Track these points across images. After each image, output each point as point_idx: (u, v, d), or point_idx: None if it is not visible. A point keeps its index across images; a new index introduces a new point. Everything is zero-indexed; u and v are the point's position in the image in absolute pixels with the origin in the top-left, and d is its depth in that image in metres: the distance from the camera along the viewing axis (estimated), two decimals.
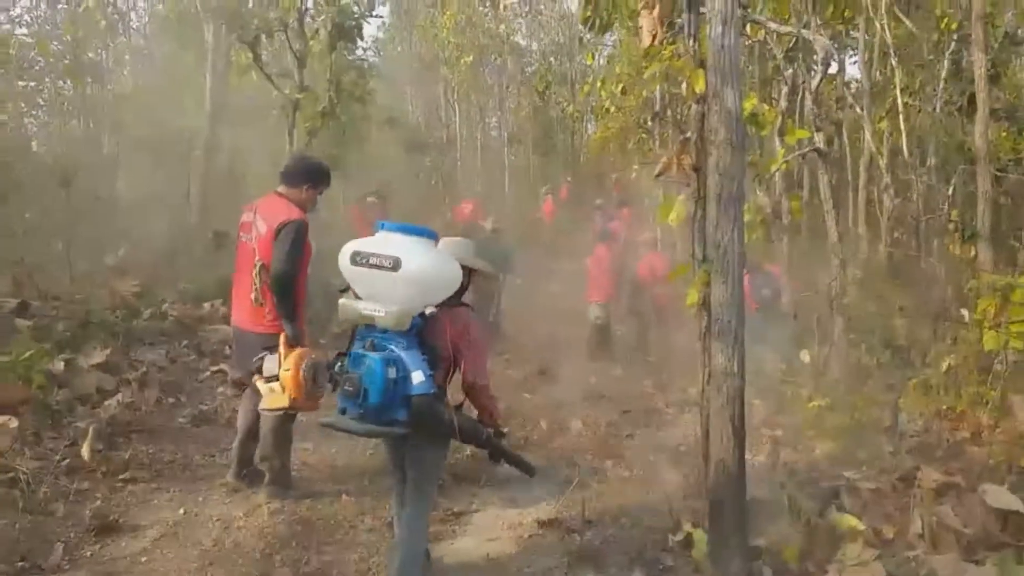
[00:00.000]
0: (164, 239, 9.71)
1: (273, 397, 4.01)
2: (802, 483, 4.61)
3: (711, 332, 3.49)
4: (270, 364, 4.06)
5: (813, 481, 4.65)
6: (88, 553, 3.82)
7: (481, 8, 21.07)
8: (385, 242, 3.17)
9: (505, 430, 3.92)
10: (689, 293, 3.68)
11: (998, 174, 10.41)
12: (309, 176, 4.50)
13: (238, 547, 3.97)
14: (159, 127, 10.91)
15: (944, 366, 7.54)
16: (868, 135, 11.21)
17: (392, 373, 3.07)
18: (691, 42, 3.70)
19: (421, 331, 3.24)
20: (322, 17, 8.72)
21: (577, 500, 4.61)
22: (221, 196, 10.56)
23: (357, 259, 3.16)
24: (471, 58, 20.37)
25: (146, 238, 9.57)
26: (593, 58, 15.43)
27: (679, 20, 3.89)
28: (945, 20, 11.25)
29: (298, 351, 4.04)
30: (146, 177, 11.21)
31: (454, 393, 3.42)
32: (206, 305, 8.10)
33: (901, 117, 11.78)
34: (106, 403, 5.63)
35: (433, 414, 3.19)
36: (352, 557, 3.95)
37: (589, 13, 11.97)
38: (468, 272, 3.50)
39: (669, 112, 13.79)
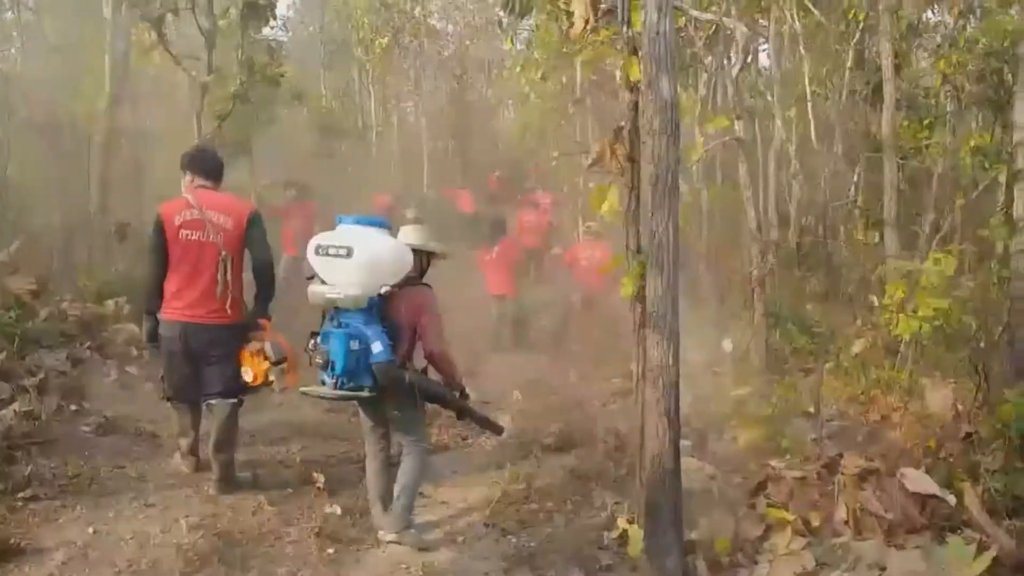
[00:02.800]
0: (61, 232, 9.01)
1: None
2: (728, 473, 4.65)
3: (646, 324, 3.43)
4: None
5: (739, 470, 4.69)
6: None
7: None
8: (341, 233, 3.82)
9: (470, 393, 4.31)
10: (624, 284, 3.62)
11: (900, 162, 10.85)
12: (222, 167, 4.77)
13: (156, 567, 3.70)
14: (54, 110, 10.14)
15: (854, 350, 7.77)
16: (779, 123, 11.44)
17: (355, 345, 3.68)
18: (625, 29, 3.61)
19: (380, 308, 3.83)
20: None
21: (511, 500, 4.54)
22: (124, 185, 9.90)
23: (319, 250, 3.79)
24: (386, 40, 19.87)
25: (41, 231, 8.86)
26: (512, 42, 15.23)
27: (608, 4, 3.78)
28: (852, 11, 11.52)
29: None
30: (40, 164, 10.40)
31: (419, 361, 4.02)
32: (109, 303, 7.54)
33: (809, 105, 12.12)
34: (1, 413, 5.17)
35: (393, 377, 3.77)
36: (279, 572, 3.74)
37: None
38: (427, 256, 4.16)
39: (589, 100, 13.84)
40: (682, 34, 9.24)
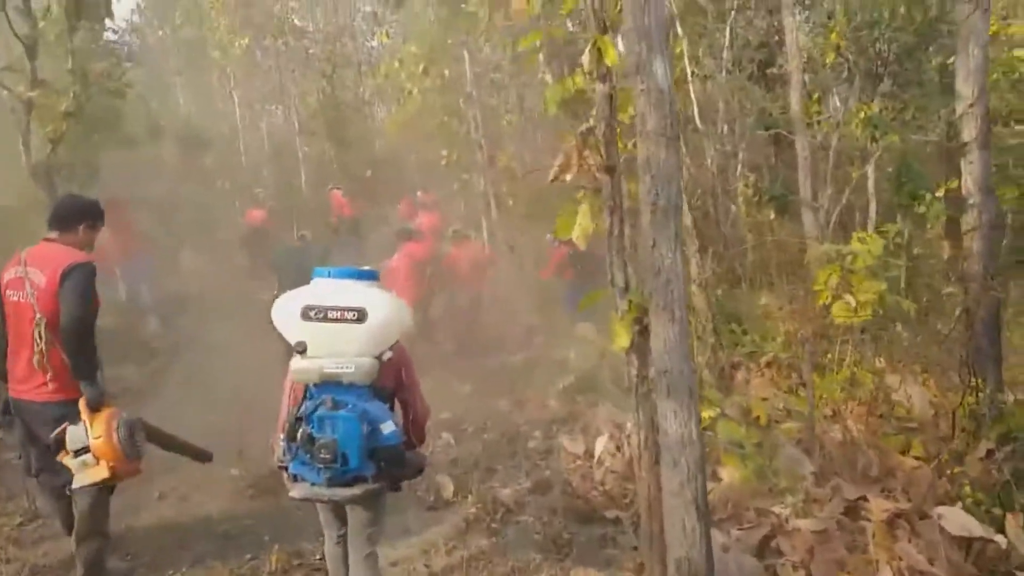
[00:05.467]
0: None
1: (88, 471, 3.62)
2: (720, 521, 3.93)
3: (657, 388, 2.60)
4: (75, 435, 3.63)
5: (733, 519, 3.98)
6: None
7: None
8: (340, 291, 3.08)
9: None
10: (616, 333, 2.78)
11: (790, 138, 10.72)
12: (83, 215, 4.07)
13: None
14: None
15: (780, 340, 7.37)
16: None
17: (365, 429, 2.98)
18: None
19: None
20: None
21: None
22: None
23: (311, 314, 3.02)
24: (246, 40, 18.28)
25: None
26: (387, 36, 14.19)
27: None
28: None
29: (105, 412, 3.69)
30: None
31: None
32: None
33: (690, 86, 11.79)
34: None
35: (403, 462, 3.15)
36: None
37: None
38: None
39: (475, 92, 12.99)
40: None
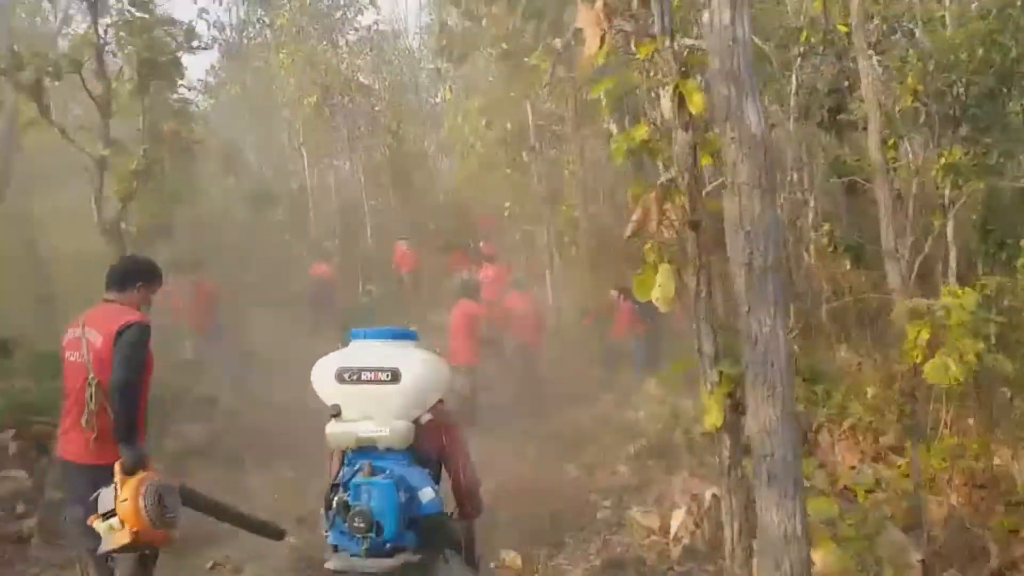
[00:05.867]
0: None
1: (113, 535, 3.42)
2: None
3: (757, 475, 2.26)
4: (105, 497, 3.48)
5: None
6: None
7: (320, 46, 19.55)
8: (373, 352, 3.03)
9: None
10: (707, 411, 2.46)
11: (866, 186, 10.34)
12: (139, 275, 4.14)
13: None
14: None
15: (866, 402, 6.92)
16: None
17: (402, 497, 2.84)
18: (669, 41, 2.51)
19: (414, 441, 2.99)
20: (127, 50, 6.95)
21: None
22: (12, 285, 8.39)
23: (345, 376, 2.95)
24: (314, 98, 18.76)
25: None
26: (451, 91, 14.35)
27: (638, 11, 2.70)
28: (804, 33, 11.04)
29: (137, 476, 3.50)
30: None
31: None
32: None
33: None
34: None
35: (446, 532, 3.01)
36: None
37: (444, 42, 10.52)
38: None
39: (538, 144, 12.94)
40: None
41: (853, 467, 6.42)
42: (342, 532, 2.86)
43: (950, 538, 4.03)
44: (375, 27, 22.59)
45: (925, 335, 5.75)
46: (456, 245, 15.27)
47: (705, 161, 2.75)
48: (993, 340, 7.45)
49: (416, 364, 2.96)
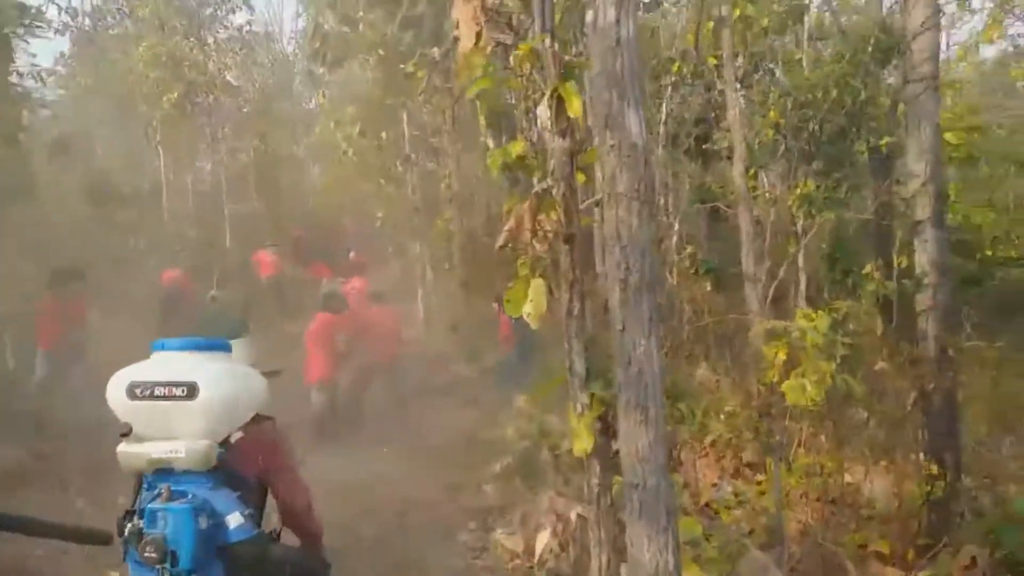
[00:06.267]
0: None
1: None
2: None
3: (627, 506, 2.13)
4: None
5: None
6: None
7: (186, 42, 18.46)
8: (169, 365, 2.70)
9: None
10: (576, 435, 2.30)
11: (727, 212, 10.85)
12: None
13: None
14: None
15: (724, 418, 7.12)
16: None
17: (204, 523, 2.57)
18: (547, 40, 2.36)
19: (224, 462, 2.70)
20: None
21: None
22: None
23: (137, 391, 2.63)
24: (175, 95, 17.64)
25: None
26: (324, 97, 13.87)
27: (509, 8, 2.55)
28: (676, 64, 11.45)
29: None
30: None
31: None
32: None
33: None
34: None
35: (264, 560, 2.68)
36: None
37: (318, 45, 10.23)
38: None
39: (413, 155, 12.70)
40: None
41: (714, 484, 6.54)
42: (137, 562, 2.57)
43: (806, 555, 4.10)
44: (247, 27, 21.65)
45: (782, 355, 5.95)
46: (320, 254, 14.73)
47: (580, 179, 2.63)
48: (839, 361, 7.87)
49: (219, 378, 2.67)
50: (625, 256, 2.08)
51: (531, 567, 4.73)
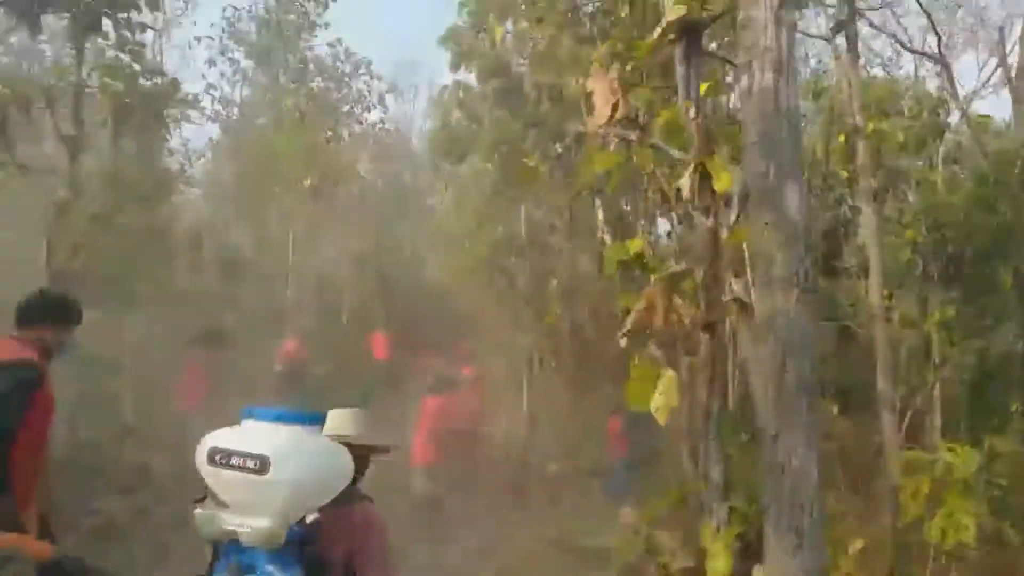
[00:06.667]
0: None
1: None
2: None
3: None
4: None
5: None
6: None
7: (323, 134, 19.78)
8: (250, 435, 2.61)
9: None
10: (711, 555, 1.97)
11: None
12: (49, 313, 3.78)
13: None
14: None
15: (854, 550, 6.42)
16: None
17: None
18: (691, 110, 2.16)
19: (303, 540, 2.58)
20: (107, 91, 6.53)
21: None
22: None
23: (216, 458, 2.56)
24: (309, 182, 18.75)
25: None
26: (446, 190, 14.39)
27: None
28: (805, 175, 11.21)
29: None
30: None
31: None
32: None
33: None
34: None
35: None
36: None
37: (444, 141, 10.40)
38: (365, 451, 2.96)
39: (527, 250, 12.78)
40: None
41: None
42: None
43: None
44: (380, 125, 23.02)
45: (924, 489, 5.48)
46: (430, 342, 14.89)
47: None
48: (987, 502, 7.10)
49: (296, 454, 2.54)
50: (782, 350, 1.78)
51: None
